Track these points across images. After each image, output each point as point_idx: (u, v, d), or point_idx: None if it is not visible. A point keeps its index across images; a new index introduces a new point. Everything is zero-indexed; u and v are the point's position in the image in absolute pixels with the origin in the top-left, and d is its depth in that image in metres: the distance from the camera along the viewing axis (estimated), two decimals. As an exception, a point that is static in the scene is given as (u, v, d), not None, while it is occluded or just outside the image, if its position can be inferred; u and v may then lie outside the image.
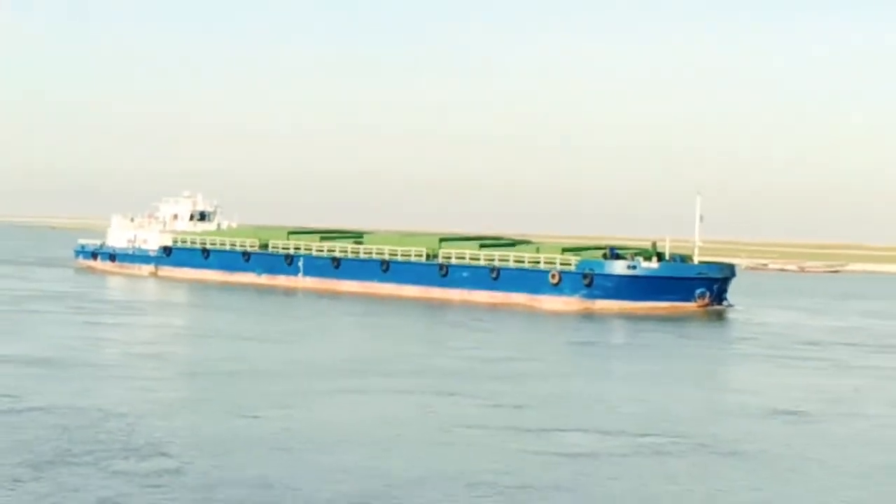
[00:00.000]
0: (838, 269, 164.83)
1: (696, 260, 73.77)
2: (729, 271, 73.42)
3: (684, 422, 28.90)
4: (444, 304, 71.93)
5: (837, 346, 52.20)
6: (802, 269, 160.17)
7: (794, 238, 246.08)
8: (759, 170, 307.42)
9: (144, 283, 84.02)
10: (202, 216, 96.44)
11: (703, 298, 70.17)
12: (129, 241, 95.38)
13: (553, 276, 72.19)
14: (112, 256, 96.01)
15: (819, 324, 65.44)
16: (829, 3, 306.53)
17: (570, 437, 26.17)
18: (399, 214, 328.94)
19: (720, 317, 67.71)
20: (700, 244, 73.95)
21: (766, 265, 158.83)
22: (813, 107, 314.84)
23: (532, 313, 67.36)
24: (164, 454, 22.65)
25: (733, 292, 73.62)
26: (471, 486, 20.87)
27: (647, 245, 76.49)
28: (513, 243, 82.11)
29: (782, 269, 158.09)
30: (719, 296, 71.47)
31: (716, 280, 71.58)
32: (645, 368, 41.81)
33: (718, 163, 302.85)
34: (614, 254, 73.37)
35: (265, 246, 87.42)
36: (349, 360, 39.44)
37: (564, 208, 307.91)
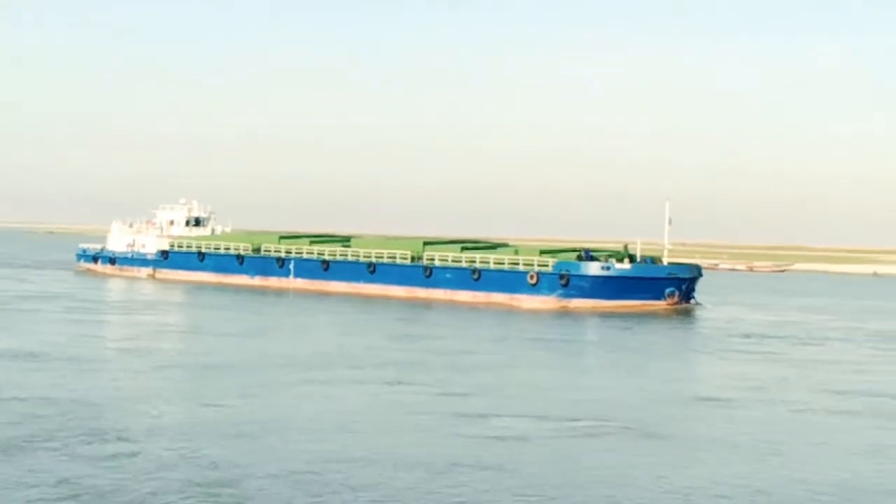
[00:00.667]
0: (785, 268, 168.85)
1: (665, 261, 75.71)
2: (696, 271, 75.49)
3: (616, 408, 30.26)
4: (428, 304, 73.64)
5: (773, 339, 54.36)
6: (751, 269, 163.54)
7: (743, 240, 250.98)
8: (711, 177, 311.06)
9: (142, 284, 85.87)
10: (197, 222, 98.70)
11: (673, 297, 72.27)
12: (128, 245, 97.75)
13: (531, 276, 74.41)
14: (112, 260, 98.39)
15: (760, 318, 67.63)
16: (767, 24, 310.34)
17: (505, 422, 27.39)
18: (380, 220, 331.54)
19: (688, 314, 69.86)
20: (669, 247, 76.25)
21: (717, 265, 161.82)
22: (761, 118, 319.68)
23: (511, 312, 69.08)
24: (125, 439, 23.76)
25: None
26: (400, 466, 22.07)
27: (619, 248, 78.79)
28: (493, 246, 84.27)
29: (733, 269, 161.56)
30: (687, 294, 73.56)
31: (684, 280, 73.66)
32: (593, 361, 43.63)
33: (677, 170, 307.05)
34: (588, 256, 75.53)
35: (258, 249, 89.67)
36: (318, 354, 40.97)
37: (540, 214, 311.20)
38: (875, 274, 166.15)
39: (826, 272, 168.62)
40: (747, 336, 55.72)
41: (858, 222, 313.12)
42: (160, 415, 27.15)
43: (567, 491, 20.75)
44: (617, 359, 44.62)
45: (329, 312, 64.24)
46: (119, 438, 24.03)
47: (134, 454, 22.55)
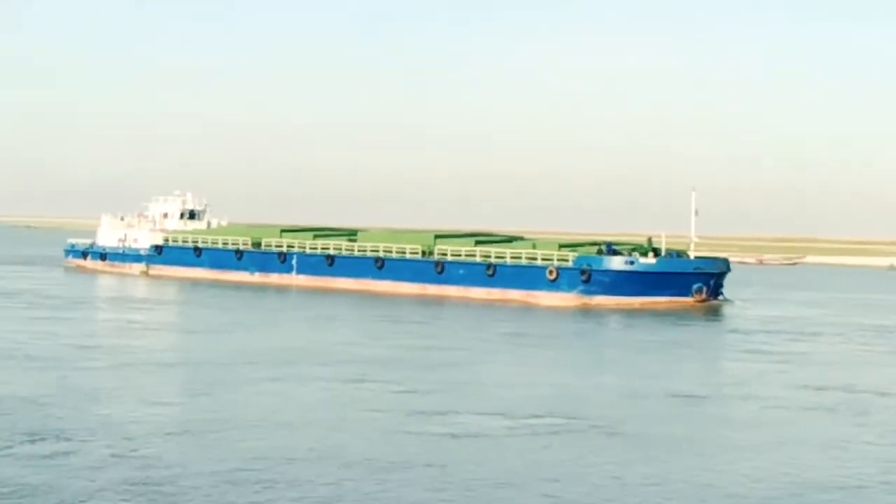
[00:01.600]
0: (796, 261, 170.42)
1: (691, 255, 76.00)
2: (725, 266, 75.82)
3: (584, 405, 31.01)
4: (440, 301, 73.72)
5: (763, 333, 55.47)
6: (761, 262, 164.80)
7: (753, 232, 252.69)
8: (719, 167, 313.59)
9: (135, 281, 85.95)
10: (192, 215, 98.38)
11: (700, 293, 72.57)
12: (119, 240, 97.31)
13: (550, 272, 74.44)
14: (103, 255, 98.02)
15: (762, 313, 68.49)
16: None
17: (464, 420, 28.05)
18: (388, 213, 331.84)
19: (716, 312, 70.25)
20: (696, 240, 76.53)
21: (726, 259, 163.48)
22: (774, 108, 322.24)
23: (528, 309, 69.25)
24: (66, 438, 24.42)
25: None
26: (344, 465, 22.66)
27: (640, 241, 79.03)
28: (508, 240, 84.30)
29: (741, 262, 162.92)
30: (715, 290, 73.81)
31: (712, 275, 73.87)
32: (571, 357, 44.58)
33: (686, 161, 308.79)
34: (611, 250, 75.62)
35: (258, 244, 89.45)
36: (286, 350, 41.76)
37: (555, 206, 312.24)
38: (892, 266, 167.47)
39: (840, 265, 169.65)
40: (734, 331, 57.37)
41: (874, 213, 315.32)
42: (107, 413, 27.84)
43: (505, 489, 21.34)
44: (600, 355, 46.06)
45: (324, 309, 64.61)
46: (59, 437, 24.68)
47: (71, 453, 23.22)
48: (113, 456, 23.04)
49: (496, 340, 49.67)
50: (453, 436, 26.10)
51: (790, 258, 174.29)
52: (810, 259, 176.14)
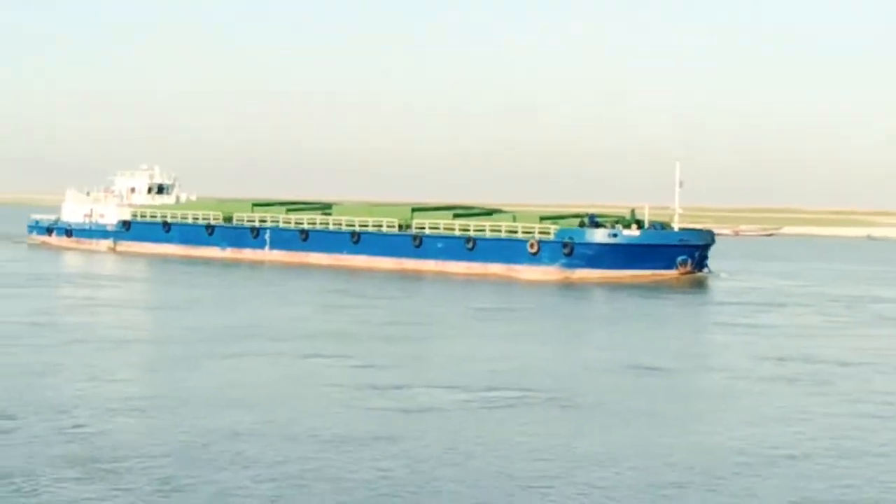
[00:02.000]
0: (773, 232, 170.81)
1: (675, 227, 75.66)
2: (710, 238, 75.52)
3: (544, 378, 30.99)
4: (418, 276, 73.41)
5: (731, 305, 56.06)
6: (737, 233, 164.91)
7: (729, 202, 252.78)
8: (697, 135, 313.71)
9: (102, 258, 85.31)
10: (160, 189, 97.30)
11: (685, 266, 72.10)
12: (85, 215, 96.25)
13: (531, 245, 73.78)
14: (68, 232, 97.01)
15: (734, 285, 68.91)
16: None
17: (420, 393, 28.09)
18: (364, 186, 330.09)
19: (701, 284, 69.78)
20: (680, 211, 75.78)
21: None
22: (748, 71, 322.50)
23: (509, 283, 69.09)
24: (7, 416, 24.13)
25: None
26: (290, 439, 22.67)
27: (623, 213, 78.25)
28: (488, 213, 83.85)
29: (718, 234, 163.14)
30: (700, 263, 73.53)
31: (697, 247, 73.57)
32: (538, 330, 44.59)
33: (655, 127, 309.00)
34: (594, 222, 75.05)
35: (229, 219, 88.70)
36: (246, 326, 41.59)
37: (535, 177, 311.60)
38: (869, 237, 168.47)
39: (817, 235, 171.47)
40: (708, 303, 58.28)
41: (852, 183, 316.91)
42: (53, 390, 27.71)
43: (451, 462, 21.39)
44: (568, 329, 46.32)
45: (294, 284, 64.34)
46: (1, 415, 24.49)
47: (13, 431, 23.05)
48: (56, 433, 22.93)
49: (466, 315, 49.57)
50: (404, 410, 26.13)
51: (766, 229, 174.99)
52: (787, 230, 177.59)
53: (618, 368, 33.55)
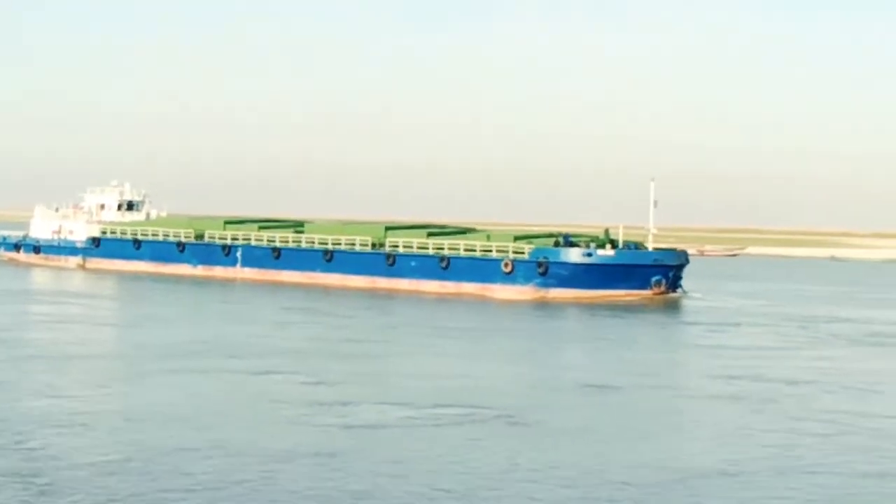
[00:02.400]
0: (737, 252, 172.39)
1: (650, 247, 76.42)
2: (684, 258, 76.15)
3: (494, 396, 31.56)
4: (390, 295, 73.88)
5: (684, 325, 57.71)
6: (702, 253, 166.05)
7: (694, 222, 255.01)
8: (664, 156, 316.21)
9: (70, 274, 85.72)
10: (130, 206, 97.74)
11: (660, 286, 72.81)
12: (54, 231, 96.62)
13: (506, 264, 74.37)
14: (36, 248, 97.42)
15: (696, 304, 70.16)
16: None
17: (365, 410, 28.61)
18: (336, 203, 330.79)
19: (675, 305, 70.47)
20: (654, 231, 76.50)
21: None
22: (714, 95, 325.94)
23: (482, 303, 69.60)
24: None
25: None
26: (231, 454, 23.15)
27: (597, 232, 78.98)
28: (461, 231, 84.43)
29: None
30: (674, 283, 74.22)
31: (671, 267, 74.27)
32: (494, 349, 45.23)
33: (625, 148, 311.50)
34: (568, 241, 75.71)
35: (200, 236, 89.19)
36: (198, 343, 42.27)
37: (508, 196, 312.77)
38: (833, 258, 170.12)
39: (781, 256, 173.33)
40: (672, 323, 59.45)
41: (816, 204, 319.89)
42: None
43: (388, 477, 21.88)
44: (524, 347, 46.96)
45: (261, 301, 65.02)
46: None
47: None
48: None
49: (431, 334, 50.12)
50: (348, 427, 26.61)
51: (731, 249, 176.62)
52: (752, 250, 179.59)
53: (571, 387, 34.21)
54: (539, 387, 34.37)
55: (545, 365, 40.93)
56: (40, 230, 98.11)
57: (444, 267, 76.86)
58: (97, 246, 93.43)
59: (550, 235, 79.48)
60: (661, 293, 72.73)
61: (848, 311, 68.40)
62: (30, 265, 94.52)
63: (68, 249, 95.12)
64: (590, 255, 73.50)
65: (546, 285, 73.20)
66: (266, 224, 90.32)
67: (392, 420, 27.57)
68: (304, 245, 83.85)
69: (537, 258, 73.92)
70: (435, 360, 40.44)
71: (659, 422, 28.90)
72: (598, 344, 48.50)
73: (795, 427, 28.14)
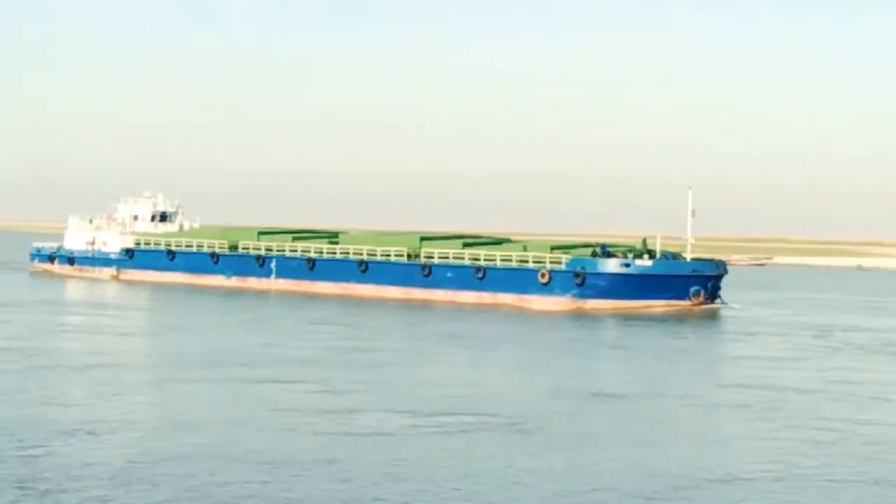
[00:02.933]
0: (764, 262, 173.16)
1: (688, 257, 77.00)
2: (722, 268, 76.69)
3: (502, 404, 32.33)
4: (427, 306, 74.68)
5: (703, 333, 59.01)
6: (729, 263, 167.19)
7: (720, 232, 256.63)
8: (691, 166, 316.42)
9: (104, 286, 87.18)
10: (163, 217, 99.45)
11: (698, 296, 73.50)
12: (87, 243, 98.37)
13: (543, 275, 75.24)
14: (71, 259, 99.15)
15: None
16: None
17: (370, 418, 29.33)
18: (370, 214, 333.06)
19: (714, 315, 71.33)
20: (693, 241, 77.38)
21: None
22: (740, 104, 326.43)
23: (520, 314, 70.16)
24: None
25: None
26: (233, 461, 23.98)
27: (634, 242, 79.92)
28: (497, 242, 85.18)
29: None
30: (713, 293, 74.81)
31: (710, 277, 74.75)
32: (512, 358, 46.12)
33: (647, 157, 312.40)
34: (605, 252, 76.36)
35: (234, 247, 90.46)
36: (217, 353, 43.25)
37: (542, 205, 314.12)
38: (860, 267, 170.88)
39: (808, 265, 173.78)
40: (693, 333, 60.05)
41: (844, 214, 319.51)
42: (5, 413, 28.94)
43: (386, 483, 22.56)
44: (540, 357, 47.73)
45: (297, 312, 65.81)
46: None
47: None
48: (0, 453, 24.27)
49: (448, 343, 51.01)
50: (351, 434, 27.31)
51: (758, 258, 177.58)
52: (779, 259, 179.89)
53: (578, 395, 34.94)
54: (548, 395, 35.15)
55: (556, 374, 41.28)
56: (74, 241, 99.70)
57: (480, 277, 77.71)
58: (131, 257, 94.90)
59: (587, 245, 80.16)
60: (700, 304, 73.42)
61: (869, 321, 68.69)
62: (63, 276, 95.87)
63: (102, 261, 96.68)
64: (628, 265, 74.21)
65: (583, 296, 73.83)
66: (300, 235, 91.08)
67: (396, 428, 28.23)
68: (338, 256, 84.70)
69: (574, 269, 74.58)
70: (450, 369, 41.31)
71: (663, 429, 29.52)
72: (624, 353, 49.07)
73: (795, 435, 28.61)
